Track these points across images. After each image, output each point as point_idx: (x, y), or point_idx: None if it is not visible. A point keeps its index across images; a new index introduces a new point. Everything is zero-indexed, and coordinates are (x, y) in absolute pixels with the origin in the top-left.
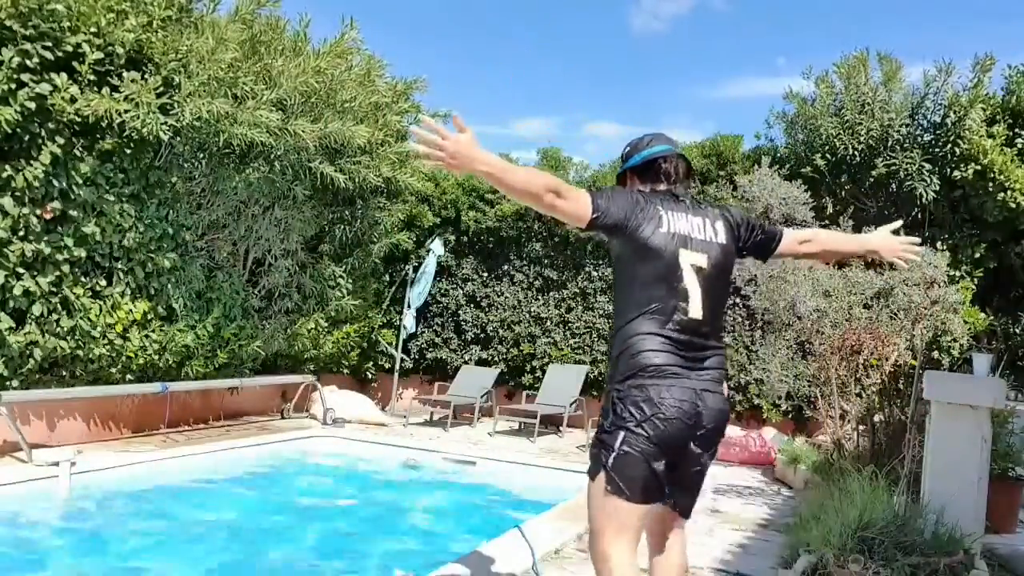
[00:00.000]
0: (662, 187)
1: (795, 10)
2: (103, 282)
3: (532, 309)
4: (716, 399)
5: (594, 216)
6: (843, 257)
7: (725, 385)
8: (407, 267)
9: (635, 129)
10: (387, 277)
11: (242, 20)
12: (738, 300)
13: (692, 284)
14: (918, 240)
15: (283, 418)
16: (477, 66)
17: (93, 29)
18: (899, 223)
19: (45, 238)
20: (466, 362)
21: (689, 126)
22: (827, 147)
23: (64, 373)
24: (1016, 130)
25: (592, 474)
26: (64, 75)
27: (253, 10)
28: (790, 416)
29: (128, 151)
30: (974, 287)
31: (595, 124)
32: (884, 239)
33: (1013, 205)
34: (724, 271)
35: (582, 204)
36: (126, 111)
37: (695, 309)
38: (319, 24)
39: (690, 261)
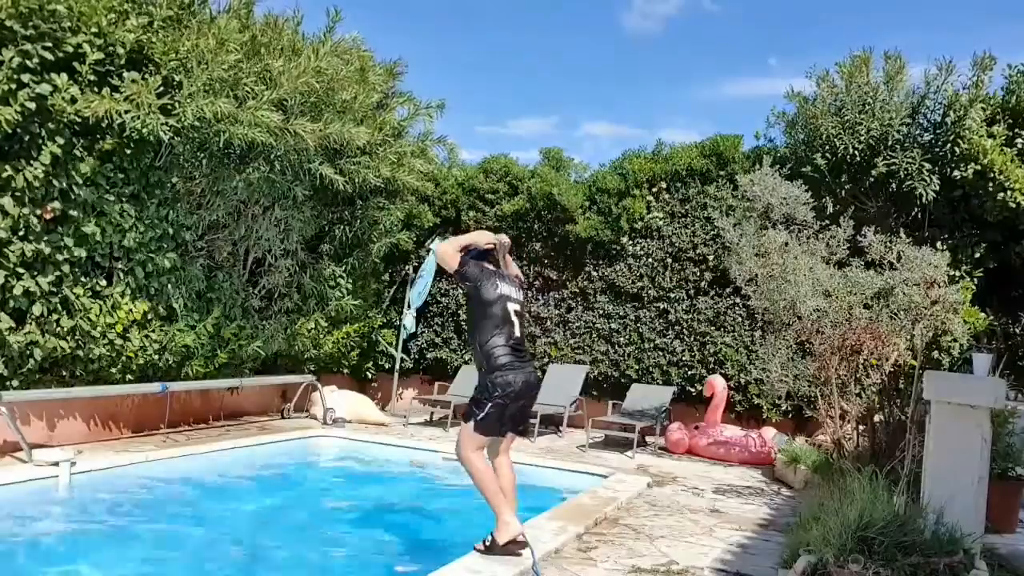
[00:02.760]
0: (490, 267)
1: (785, 10)
2: (103, 282)
3: (532, 309)
4: (535, 376)
5: (457, 269)
6: None
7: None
8: (407, 267)
9: (632, 129)
10: (387, 277)
11: (236, 16)
12: (738, 300)
13: (515, 318)
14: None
15: (283, 418)
16: (473, 65)
17: (94, 29)
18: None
19: (45, 238)
20: (466, 362)
21: (686, 126)
22: (827, 147)
23: (64, 373)
24: (1016, 130)
25: (467, 419)
26: (64, 75)
27: (248, 4)
28: (790, 416)
29: (128, 151)
30: (974, 287)
31: (592, 124)
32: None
33: (1013, 205)
34: (525, 311)
35: (457, 262)
36: (126, 111)
37: (517, 331)
38: (312, 17)
39: (512, 308)
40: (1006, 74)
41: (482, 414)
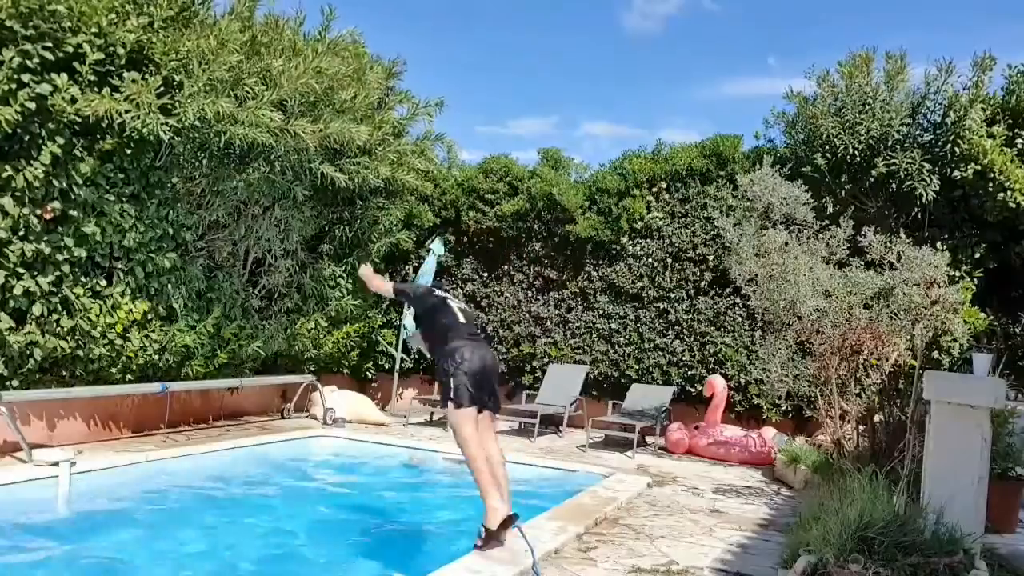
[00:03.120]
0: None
1: (785, 10)
2: (103, 282)
3: (532, 309)
4: (490, 354)
5: (394, 293)
6: None
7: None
8: (407, 267)
9: (631, 129)
10: (387, 277)
11: (239, 18)
12: (738, 300)
13: (458, 311)
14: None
15: (283, 418)
16: (473, 65)
17: (94, 30)
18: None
19: (45, 238)
20: None
21: (686, 126)
22: (827, 147)
23: (64, 373)
24: (1016, 130)
25: (443, 403)
26: (64, 75)
27: (251, 6)
28: (790, 416)
29: (128, 151)
30: (974, 287)
31: (592, 124)
32: None
33: (1013, 205)
34: (470, 308)
35: (390, 287)
36: (126, 111)
37: (462, 318)
38: (310, 14)
39: (455, 305)
40: (1006, 74)
41: (453, 389)
